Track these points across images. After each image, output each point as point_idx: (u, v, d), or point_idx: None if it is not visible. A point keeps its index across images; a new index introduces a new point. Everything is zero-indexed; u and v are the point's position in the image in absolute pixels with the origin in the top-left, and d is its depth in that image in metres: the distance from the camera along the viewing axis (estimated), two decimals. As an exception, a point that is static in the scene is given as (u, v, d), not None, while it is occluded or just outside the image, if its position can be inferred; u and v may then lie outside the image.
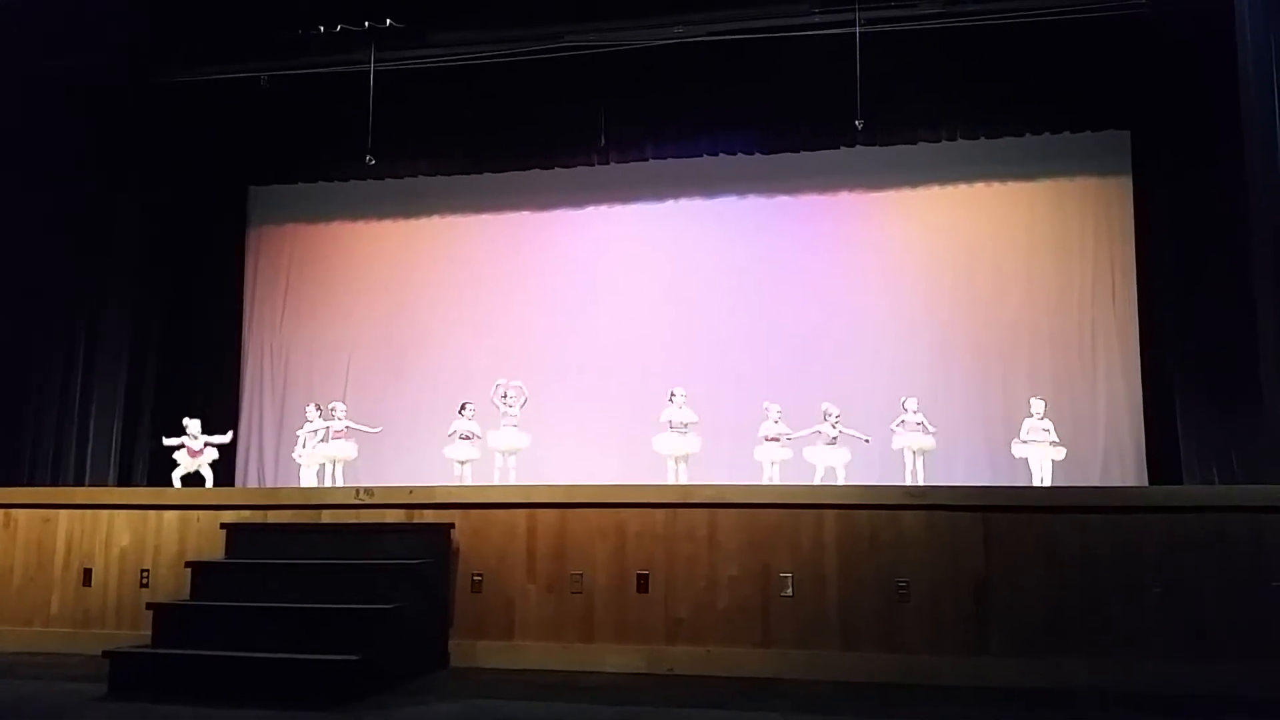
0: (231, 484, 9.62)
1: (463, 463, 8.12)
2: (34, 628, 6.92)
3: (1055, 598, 5.73)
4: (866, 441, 7.82)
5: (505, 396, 8.15)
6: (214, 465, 8.36)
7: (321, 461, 8.32)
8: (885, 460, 7.97)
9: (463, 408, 8.20)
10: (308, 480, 8.33)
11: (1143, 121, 8.68)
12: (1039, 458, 7.57)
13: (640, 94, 9.16)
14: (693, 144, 9.51)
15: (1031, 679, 5.60)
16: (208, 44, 8.87)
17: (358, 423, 8.41)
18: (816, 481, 7.63)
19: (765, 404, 7.96)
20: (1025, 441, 7.67)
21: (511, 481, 7.96)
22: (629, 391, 9.21)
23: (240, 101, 9.45)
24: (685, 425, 7.77)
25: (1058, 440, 7.64)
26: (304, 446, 8.38)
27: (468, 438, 8.12)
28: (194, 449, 8.20)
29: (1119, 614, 5.66)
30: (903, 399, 7.87)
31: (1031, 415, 7.70)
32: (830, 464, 7.70)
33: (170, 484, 8.17)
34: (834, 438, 7.73)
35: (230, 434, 8.54)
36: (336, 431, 8.30)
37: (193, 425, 8.28)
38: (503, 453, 8.13)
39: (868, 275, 9.35)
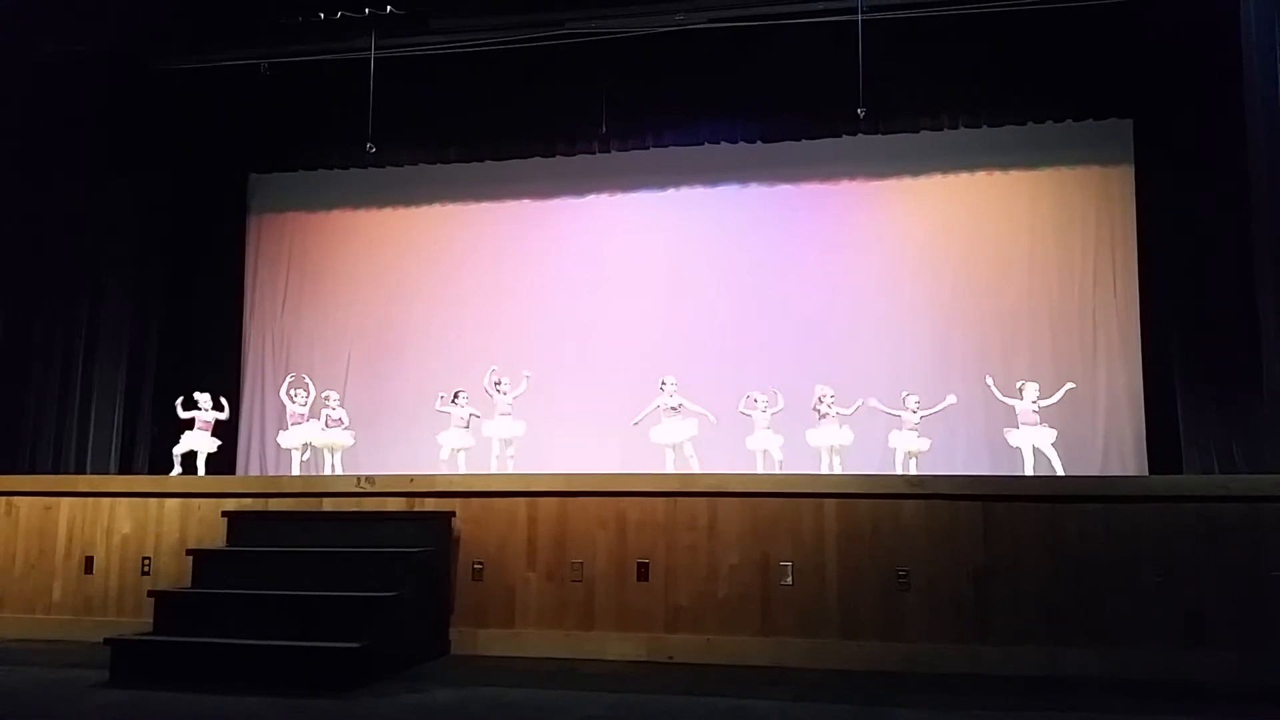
0: (233, 472, 9.64)
1: (456, 450, 8.13)
2: (36, 615, 6.94)
3: (1054, 587, 5.74)
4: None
5: (499, 384, 8.15)
6: (212, 454, 8.40)
7: (316, 446, 8.35)
8: (885, 450, 7.98)
9: (455, 397, 8.22)
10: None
11: (1145, 110, 8.65)
12: (1028, 445, 7.57)
13: (641, 82, 9.13)
14: (694, 132, 9.48)
15: (1030, 667, 5.62)
16: (208, 31, 8.85)
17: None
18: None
19: (756, 394, 7.93)
20: (1020, 425, 7.67)
21: (510, 470, 7.97)
22: (630, 379, 9.19)
23: (240, 89, 9.43)
24: (676, 410, 7.79)
25: (1039, 420, 7.59)
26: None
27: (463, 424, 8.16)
28: (205, 421, 8.24)
29: (1118, 603, 5.67)
30: (904, 394, 7.86)
31: (1022, 399, 7.68)
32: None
33: (169, 466, 8.22)
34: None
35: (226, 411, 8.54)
36: (333, 420, 8.34)
37: (203, 399, 8.30)
38: (501, 441, 8.14)
39: (869, 263, 9.34)
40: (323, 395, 8.52)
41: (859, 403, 7.85)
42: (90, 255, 9.06)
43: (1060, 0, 7.75)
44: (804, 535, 6.02)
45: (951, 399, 7.86)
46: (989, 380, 7.81)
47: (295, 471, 8.37)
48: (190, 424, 8.29)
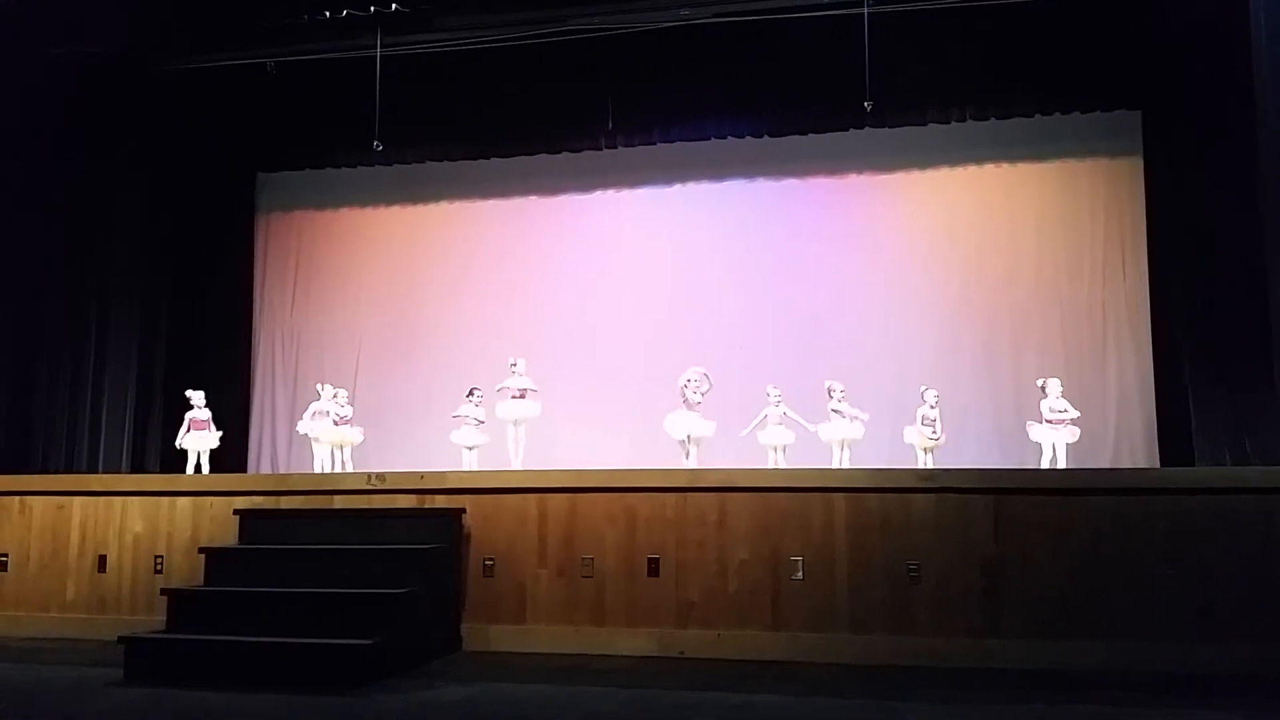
0: (244, 470, 9.68)
1: (470, 448, 8.16)
2: (50, 614, 6.99)
3: (1066, 580, 5.73)
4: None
5: (514, 365, 8.18)
6: (223, 451, 8.42)
7: (330, 446, 8.38)
8: (894, 444, 7.97)
9: (470, 393, 8.24)
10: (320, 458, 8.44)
11: (1154, 101, 8.60)
12: (1050, 440, 7.56)
13: (647, 77, 9.10)
14: (700, 127, 9.45)
15: (1042, 661, 5.61)
16: (213, 31, 8.85)
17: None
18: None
19: (768, 387, 7.98)
20: (1043, 422, 7.66)
21: (522, 450, 7.99)
22: (637, 376, 9.22)
23: (246, 88, 9.44)
24: (700, 401, 7.81)
25: (1071, 419, 7.58)
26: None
27: (480, 422, 8.18)
28: (199, 420, 8.23)
29: (1130, 596, 5.66)
30: (923, 388, 7.85)
31: (1046, 396, 7.68)
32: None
33: (181, 466, 8.25)
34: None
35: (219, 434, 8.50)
36: (341, 418, 8.37)
37: (196, 397, 8.30)
38: (512, 423, 8.14)
39: (877, 258, 9.32)
40: (334, 393, 8.57)
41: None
42: (98, 255, 9.09)
43: (1068, -9, 7.72)
44: (814, 530, 6.02)
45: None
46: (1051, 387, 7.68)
47: (318, 468, 8.39)
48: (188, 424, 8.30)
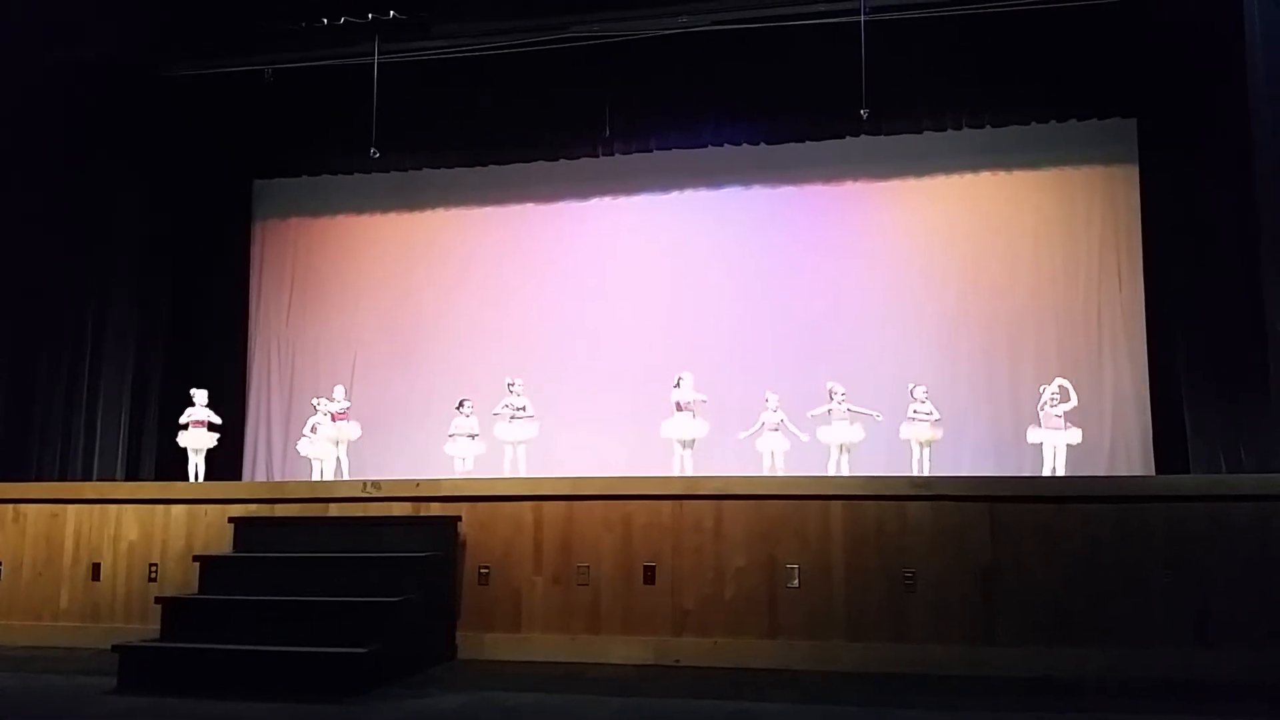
0: (239, 478, 9.66)
1: (463, 459, 8.18)
2: (44, 622, 6.95)
3: (1062, 587, 5.72)
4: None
5: (511, 385, 8.19)
6: (219, 457, 8.42)
7: (330, 446, 8.40)
8: (892, 449, 7.98)
9: (460, 405, 8.25)
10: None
11: (1149, 109, 8.64)
12: (1050, 442, 7.58)
13: (645, 84, 9.13)
14: (697, 134, 9.48)
15: (1038, 668, 5.60)
16: (212, 37, 8.86)
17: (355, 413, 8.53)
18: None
19: (766, 393, 8.01)
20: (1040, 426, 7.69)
21: (521, 471, 8.00)
22: (635, 382, 9.22)
23: (244, 95, 9.46)
24: (692, 405, 7.81)
25: (1065, 424, 7.62)
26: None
27: (471, 435, 8.20)
28: (197, 420, 8.25)
29: (1126, 603, 5.65)
30: (910, 386, 7.90)
31: (1043, 398, 7.72)
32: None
33: (176, 473, 8.26)
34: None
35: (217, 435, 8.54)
36: (338, 414, 8.39)
37: (199, 395, 8.32)
38: (511, 444, 8.16)
39: (874, 265, 9.34)
40: (330, 397, 8.59)
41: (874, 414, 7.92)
42: (95, 262, 9.09)
43: (1063, -1, 7.75)
44: (810, 537, 6.01)
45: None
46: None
47: (317, 476, 8.39)
48: (184, 425, 8.33)
